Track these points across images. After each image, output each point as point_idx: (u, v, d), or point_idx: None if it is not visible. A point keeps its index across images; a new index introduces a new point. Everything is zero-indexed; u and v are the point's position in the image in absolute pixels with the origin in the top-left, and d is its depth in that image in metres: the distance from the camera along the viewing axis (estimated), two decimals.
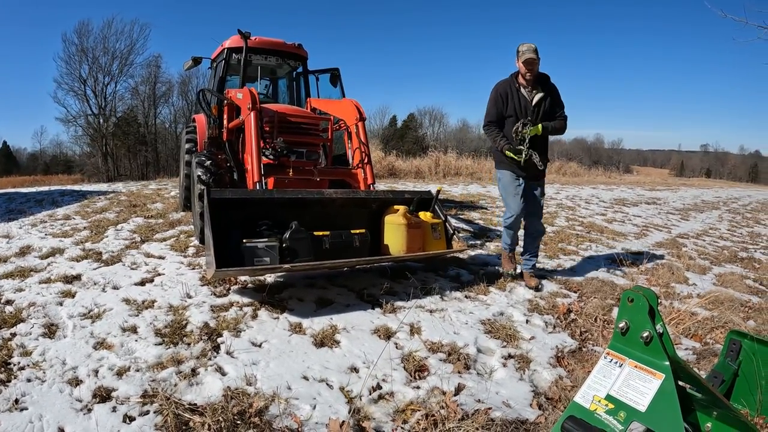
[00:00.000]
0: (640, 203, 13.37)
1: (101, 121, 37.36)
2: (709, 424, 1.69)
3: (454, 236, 4.75)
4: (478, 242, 6.37)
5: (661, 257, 6.26)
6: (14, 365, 2.67)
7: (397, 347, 3.16)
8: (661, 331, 1.59)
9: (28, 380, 2.52)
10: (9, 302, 3.57)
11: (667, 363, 1.52)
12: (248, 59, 6.38)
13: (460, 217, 8.37)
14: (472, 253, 5.75)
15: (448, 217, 5.04)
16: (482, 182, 16.53)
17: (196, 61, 7.26)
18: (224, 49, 6.72)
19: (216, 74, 7.05)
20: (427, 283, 4.45)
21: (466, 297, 4.22)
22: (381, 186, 9.52)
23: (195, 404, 2.35)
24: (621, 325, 1.61)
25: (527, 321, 3.76)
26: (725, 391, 2.06)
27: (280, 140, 5.19)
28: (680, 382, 1.64)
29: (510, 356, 3.15)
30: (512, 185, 4.51)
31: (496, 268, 5.12)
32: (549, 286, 4.61)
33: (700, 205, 14.68)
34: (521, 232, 4.89)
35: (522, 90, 4.39)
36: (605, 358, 1.68)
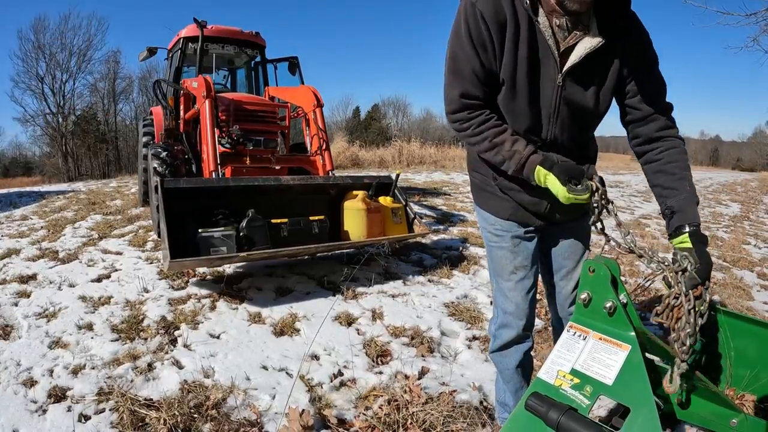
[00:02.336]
0: None
1: (60, 119, 35.87)
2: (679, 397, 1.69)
3: (416, 220, 4.72)
4: (441, 227, 6.38)
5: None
6: None
7: (358, 333, 3.13)
8: (625, 302, 1.57)
9: None
10: None
11: (633, 333, 1.50)
12: (205, 48, 6.19)
13: (423, 203, 8.37)
14: (435, 237, 5.75)
15: (409, 201, 5.00)
16: (446, 170, 16.61)
17: (152, 52, 7.00)
18: (180, 38, 6.52)
19: (172, 65, 6.87)
20: (389, 269, 4.42)
21: (429, 281, 4.21)
22: (342, 174, 9.43)
23: (151, 399, 2.29)
24: (583, 297, 1.58)
25: (491, 302, 3.75)
26: (695, 365, 2.06)
27: (236, 128, 5.05)
28: (648, 355, 1.63)
29: (474, 338, 3.15)
30: (510, 253, 1.89)
31: (460, 251, 5.11)
32: None
33: None
34: None
35: (547, 27, 1.53)
36: (568, 331, 1.65)
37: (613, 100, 1.72)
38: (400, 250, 5.08)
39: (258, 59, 7.22)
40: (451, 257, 4.89)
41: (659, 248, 5.87)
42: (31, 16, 54.58)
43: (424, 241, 5.50)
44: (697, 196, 1.64)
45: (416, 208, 7.64)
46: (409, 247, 5.26)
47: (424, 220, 6.69)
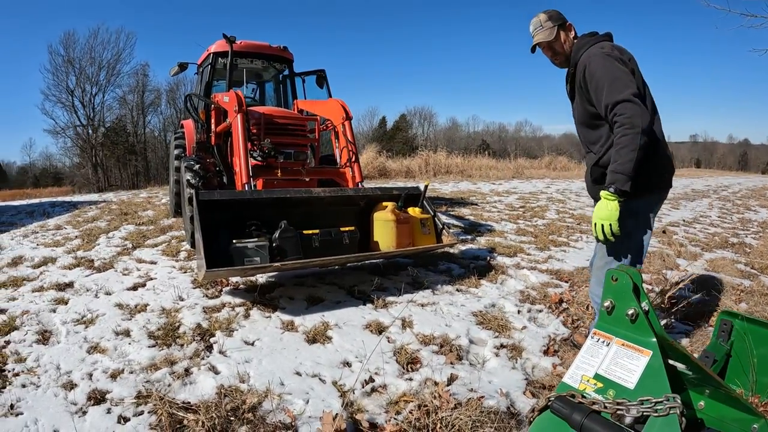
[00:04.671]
0: None
1: (90, 131, 37.07)
2: (702, 403, 1.68)
3: (444, 231, 4.76)
4: (469, 237, 6.39)
5: (652, 246, 6.31)
6: (9, 372, 2.67)
7: (389, 341, 3.18)
8: (646, 309, 1.60)
9: (23, 386, 2.53)
10: (2, 311, 3.56)
11: (654, 340, 1.53)
12: (234, 63, 6.37)
13: (451, 213, 8.40)
14: (463, 247, 5.77)
15: (437, 212, 5.05)
16: (472, 179, 16.58)
17: (182, 67, 7.24)
18: (210, 53, 6.72)
19: (202, 79, 7.05)
20: (418, 278, 4.47)
21: (457, 290, 4.23)
22: (371, 185, 9.54)
23: (189, 403, 2.36)
24: (606, 304, 1.62)
25: (519, 311, 3.78)
26: (718, 372, 2.06)
27: (267, 141, 5.19)
28: (671, 361, 1.65)
29: (502, 346, 3.17)
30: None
31: (488, 260, 5.13)
32: (540, 276, 4.64)
33: (691, 194, 14.81)
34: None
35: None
36: (592, 337, 1.69)
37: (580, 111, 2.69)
38: (428, 261, 5.12)
39: (286, 73, 7.38)
40: (479, 267, 4.91)
41: (686, 256, 5.79)
42: (60, 31, 56.50)
43: (452, 251, 5.53)
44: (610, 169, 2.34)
45: (444, 218, 7.68)
46: (437, 257, 5.30)
47: (451, 230, 6.72)
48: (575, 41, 2.64)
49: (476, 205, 9.64)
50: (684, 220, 8.85)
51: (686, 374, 1.69)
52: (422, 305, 3.83)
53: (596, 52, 2.44)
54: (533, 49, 2.76)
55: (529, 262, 5.15)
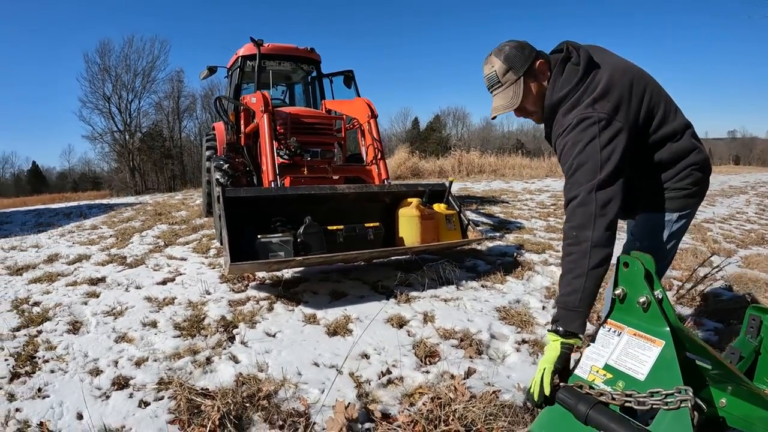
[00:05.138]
0: None
1: (127, 137, 38.38)
2: (723, 400, 1.58)
3: (470, 226, 4.74)
4: (497, 234, 6.32)
5: (685, 242, 6.12)
6: (39, 359, 2.81)
7: (409, 335, 3.18)
8: (660, 297, 1.55)
9: (52, 371, 2.65)
10: (36, 303, 3.75)
11: (667, 329, 1.48)
12: (262, 66, 6.49)
13: (481, 211, 8.33)
14: (491, 244, 5.72)
15: (464, 208, 5.02)
16: (505, 178, 16.40)
17: (212, 71, 7.41)
18: (238, 57, 6.87)
19: (232, 82, 7.22)
20: (443, 274, 4.45)
21: (482, 286, 4.20)
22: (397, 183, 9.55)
23: (207, 389, 2.42)
24: (617, 292, 1.58)
25: (543, 307, 3.72)
26: (746, 369, 1.96)
27: (293, 140, 5.27)
28: (689, 354, 1.59)
29: (524, 341, 3.13)
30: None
31: (515, 257, 5.07)
32: None
33: (727, 191, 14.24)
34: None
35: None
36: (604, 327, 1.65)
37: None
38: (454, 257, 5.09)
39: (314, 74, 7.48)
40: (506, 263, 4.86)
41: (721, 252, 5.58)
42: (95, 40, 58.55)
43: (479, 247, 5.49)
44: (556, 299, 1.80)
45: (473, 216, 7.63)
46: (463, 253, 5.27)
47: (480, 228, 6.66)
48: (550, 86, 1.90)
49: (507, 203, 9.53)
50: (713, 214, 8.53)
51: (707, 369, 1.61)
52: (445, 300, 3.82)
53: (574, 121, 1.78)
54: (494, 118, 2.04)
55: (557, 258, 5.05)
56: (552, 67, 1.91)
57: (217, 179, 5.27)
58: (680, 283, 4.21)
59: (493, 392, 2.42)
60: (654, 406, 1.36)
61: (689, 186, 1.96)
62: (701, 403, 1.62)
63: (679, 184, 1.95)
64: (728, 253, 5.62)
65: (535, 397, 1.62)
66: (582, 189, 1.71)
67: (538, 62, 1.88)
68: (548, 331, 1.73)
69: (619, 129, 1.74)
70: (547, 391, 1.59)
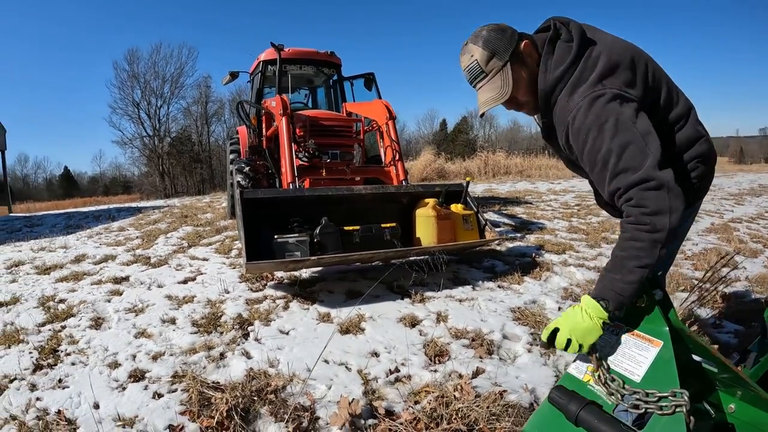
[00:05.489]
0: None
1: (156, 141, 39.15)
2: (732, 405, 1.54)
3: (487, 227, 4.73)
4: (518, 235, 6.28)
5: (710, 242, 5.97)
6: (62, 352, 2.95)
7: (420, 334, 3.20)
8: (659, 297, 1.54)
9: (73, 364, 2.79)
10: (62, 301, 3.92)
11: (666, 329, 1.45)
12: (283, 70, 6.60)
13: (504, 212, 8.28)
14: (510, 245, 5.69)
15: (482, 208, 5.01)
16: (531, 179, 16.24)
17: (234, 76, 7.55)
18: (260, 62, 7.00)
19: (254, 86, 7.35)
20: (459, 274, 4.46)
21: (498, 287, 4.19)
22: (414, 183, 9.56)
23: (218, 383, 2.50)
24: None
25: (559, 308, 3.70)
26: (763, 372, 1.90)
27: (311, 142, 5.35)
28: (696, 357, 1.57)
29: (536, 342, 3.11)
30: None
31: (534, 257, 5.03)
32: (587, 273, 4.51)
33: (757, 189, 13.77)
34: None
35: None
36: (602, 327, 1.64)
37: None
38: (472, 257, 5.08)
39: (335, 77, 7.56)
40: (524, 264, 4.83)
41: (746, 253, 5.43)
42: (123, 47, 60.06)
43: (498, 248, 5.47)
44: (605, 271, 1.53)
45: (495, 217, 7.59)
46: (482, 253, 5.25)
47: (500, 229, 6.64)
48: (541, 68, 1.64)
49: (530, 203, 9.44)
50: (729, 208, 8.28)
51: (714, 372, 1.58)
52: (460, 300, 3.82)
53: (585, 102, 1.53)
54: (482, 115, 1.78)
55: (577, 259, 5.00)
56: (540, 48, 1.66)
57: (238, 182, 5.39)
58: (701, 284, 4.12)
59: (499, 392, 2.42)
60: (648, 410, 1.34)
61: (693, 180, 1.75)
62: (709, 408, 1.58)
63: (682, 179, 1.69)
64: (754, 253, 5.46)
65: (554, 346, 1.52)
66: (643, 170, 1.43)
67: (523, 43, 1.64)
68: (592, 300, 1.50)
69: (637, 106, 1.52)
70: (571, 351, 1.49)
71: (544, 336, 1.54)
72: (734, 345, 3.09)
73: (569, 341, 1.48)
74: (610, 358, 1.54)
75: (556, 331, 1.53)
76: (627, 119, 1.47)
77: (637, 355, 1.50)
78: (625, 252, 1.47)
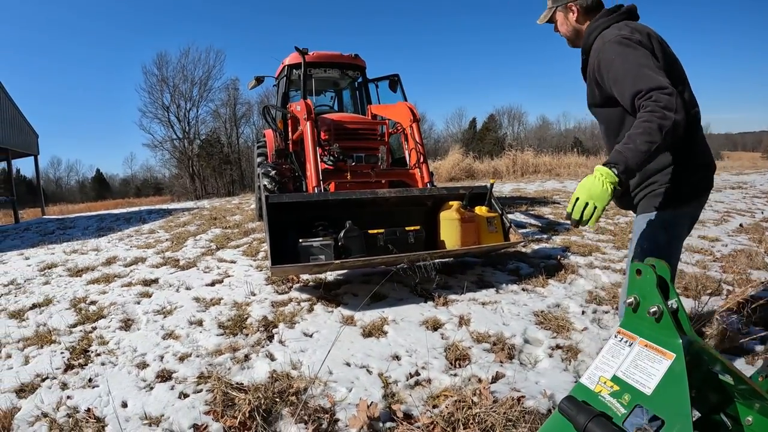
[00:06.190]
0: (724, 189, 12.31)
1: (186, 144, 39.95)
2: (750, 418, 1.53)
3: (511, 229, 4.71)
4: (544, 236, 6.23)
5: (741, 243, 5.81)
6: (92, 352, 3.09)
7: (442, 337, 3.22)
8: (675, 307, 1.53)
9: (102, 364, 2.91)
10: (93, 302, 4.08)
11: (679, 341, 1.44)
12: (308, 73, 6.68)
13: (530, 212, 8.20)
14: (536, 246, 5.65)
15: (506, 210, 4.99)
16: (560, 178, 16.01)
17: (259, 80, 7.66)
18: (285, 66, 7.09)
19: (279, 90, 7.46)
20: (483, 277, 4.46)
21: (522, 290, 4.18)
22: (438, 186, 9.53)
23: (242, 384, 2.58)
24: (630, 301, 1.55)
25: (583, 312, 3.67)
26: None
27: (336, 146, 5.41)
28: (713, 368, 1.56)
29: (558, 347, 3.11)
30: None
31: (559, 259, 5.00)
32: (613, 276, 4.45)
33: None
34: None
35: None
36: (615, 336, 1.63)
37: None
38: (497, 259, 5.07)
39: (360, 80, 7.61)
40: (549, 266, 4.79)
41: None
42: (152, 53, 61.52)
43: (523, 250, 5.44)
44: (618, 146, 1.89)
45: (522, 218, 7.54)
46: (507, 255, 5.23)
47: (527, 230, 6.59)
48: (588, 23, 2.28)
49: (558, 203, 9.33)
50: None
51: (731, 384, 1.57)
52: (483, 304, 3.83)
53: (612, 37, 2.06)
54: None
55: (603, 261, 4.94)
56: (585, 14, 2.30)
57: (264, 185, 5.49)
58: (731, 287, 4.03)
59: (518, 398, 2.43)
60: None
61: (699, 185, 2.16)
62: (726, 420, 1.57)
63: (690, 182, 2.12)
64: None
65: (579, 222, 1.84)
66: (657, 81, 1.87)
67: (570, 3, 2.29)
68: (605, 167, 1.82)
69: (650, 54, 2.00)
70: (592, 225, 1.84)
71: (569, 209, 1.87)
72: (760, 352, 3.02)
73: (586, 204, 1.81)
74: (622, 369, 1.54)
75: (576, 205, 1.85)
76: (644, 52, 1.99)
77: (649, 367, 1.49)
78: (638, 130, 1.84)
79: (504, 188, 12.65)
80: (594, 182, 1.81)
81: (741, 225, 6.88)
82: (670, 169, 2.12)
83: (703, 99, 2.71)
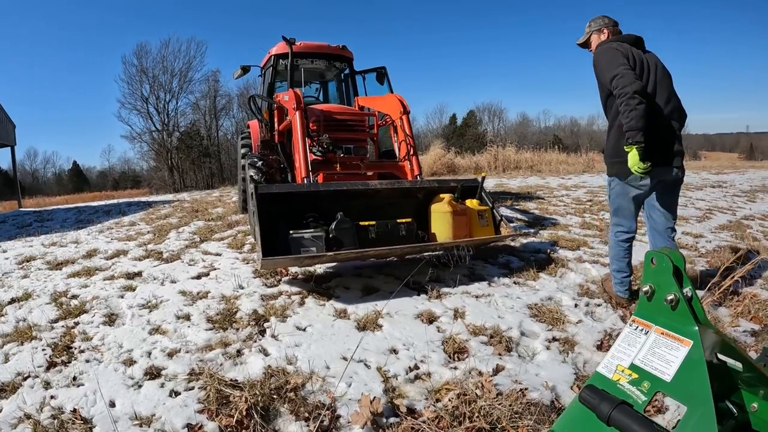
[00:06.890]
0: (705, 187, 12.57)
1: (165, 136, 39.33)
2: (755, 404, 1.53)
3: (502, 222, 4.69)
4: (532, 230, 6.23)
5: (724, 240, 5.89)
6: (75, 349, 2.94)
7: (438, 331, 3.17)
8: (689, 295, 1.50)
9: (87, 361, 2.77)
10: (74, 297, 3.91)
11: (696, 329, 1.43)
12: (295, 64, 6.55)
13: (516, 207, 8.22)
14: (525, 240, 5.64)
15: (497, 204, 4.97)
16: (541, 174, 16.14)
17: (245, 70, 7.50)
18: (271, 56, 6.95)
19: (265, 80, 7.30)
20: (475, 270, 4.43)
21: (514, 283, 4.15)
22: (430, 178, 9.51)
23: (236, 380, 2.48)
24: (645, 289, 1.53)
25: (576, 305, 3.66)
26: None
27: (325, 137, 5.31)
28: (720, 356, 1.54)
29: (554, 339, 3.08)
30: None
31: (549, 253, 4.99)
32: (602, 270, 4.45)
33: None
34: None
35: None
36: (630, 325, 1.61)
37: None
38: (487, 253, 5.05)
39: (347, 71, 7.50)
40: (539, 260, 4.79)
41: (761, 250, 5.34)
42: (132, 43, 60.31)
43: (513, 244, 5.42)
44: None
45: (508, 212, 7.54)
46: (497, 249, 5.21)
47: (514, 224, 6.59)
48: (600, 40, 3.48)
49: (542, 199, 9.38)
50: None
51: (738, 371, 1.56)
52: (477, 297, 3.79)
53: (600, 49, 3.30)
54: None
55: (592, 255, 4.95)
56: (609, 35, 3.49)
57: (251, 176, 5.36)
58: (719, 280, 4.06)
59: (521, 390, 2.39)
60: None
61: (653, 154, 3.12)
62: (732, 407, 1.56)
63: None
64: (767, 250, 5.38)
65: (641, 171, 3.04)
66: (617, 69, 3.05)
67: (605, 30, 3.50)
68: (627, 144, 3.04)
69: (625, 62, 3.14)
70: (644, 168, 3.02)
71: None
72: (750, 343, 3.04)
73: (639, 167, 3.03)
74: (640, 357, 1.52)
75: None
76: (615, 52, 3.18)
77: (667, 354, 1.47)
78: (622, 113, 3.00)
79: (487, 183, 12.61)
80: (629, 158, 3.10)
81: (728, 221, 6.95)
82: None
83: (683, 100, 3.40)
